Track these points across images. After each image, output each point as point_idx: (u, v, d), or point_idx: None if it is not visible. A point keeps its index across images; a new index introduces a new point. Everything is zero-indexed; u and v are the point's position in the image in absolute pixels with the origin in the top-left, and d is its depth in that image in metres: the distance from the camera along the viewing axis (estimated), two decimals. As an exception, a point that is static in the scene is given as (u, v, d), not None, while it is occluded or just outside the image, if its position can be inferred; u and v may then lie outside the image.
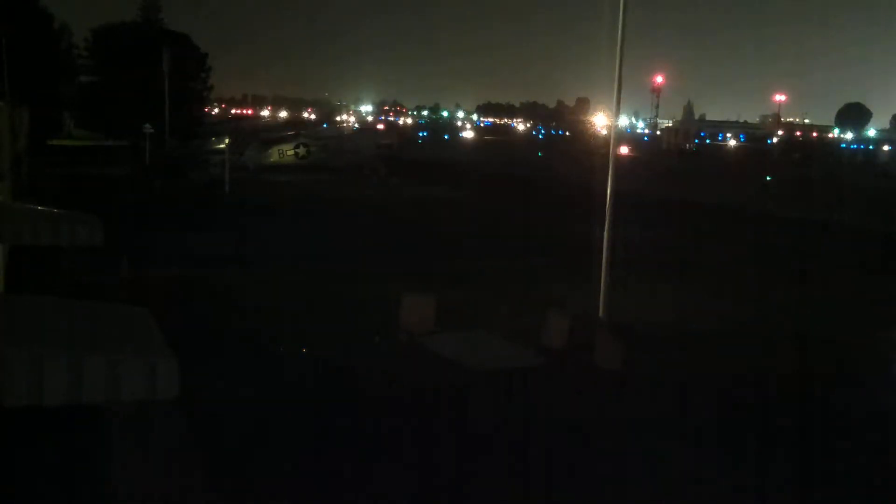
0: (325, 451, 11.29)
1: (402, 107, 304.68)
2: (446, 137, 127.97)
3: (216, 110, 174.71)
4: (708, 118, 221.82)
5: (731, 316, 19.99)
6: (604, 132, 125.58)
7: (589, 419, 12.83)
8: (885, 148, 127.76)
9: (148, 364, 6.79)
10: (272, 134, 67.09)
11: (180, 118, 61.59)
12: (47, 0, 60.59)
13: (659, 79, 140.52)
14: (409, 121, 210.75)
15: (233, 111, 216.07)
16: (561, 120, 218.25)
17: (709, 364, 16.05)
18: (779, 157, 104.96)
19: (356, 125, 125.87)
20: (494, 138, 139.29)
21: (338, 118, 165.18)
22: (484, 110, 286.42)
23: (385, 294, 18.63)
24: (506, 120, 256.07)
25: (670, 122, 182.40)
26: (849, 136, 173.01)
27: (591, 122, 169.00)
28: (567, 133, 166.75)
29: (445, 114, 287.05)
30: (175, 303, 17.88)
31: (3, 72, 32.46)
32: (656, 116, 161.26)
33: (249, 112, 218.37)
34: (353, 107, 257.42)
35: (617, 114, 18.90)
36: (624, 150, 73.44)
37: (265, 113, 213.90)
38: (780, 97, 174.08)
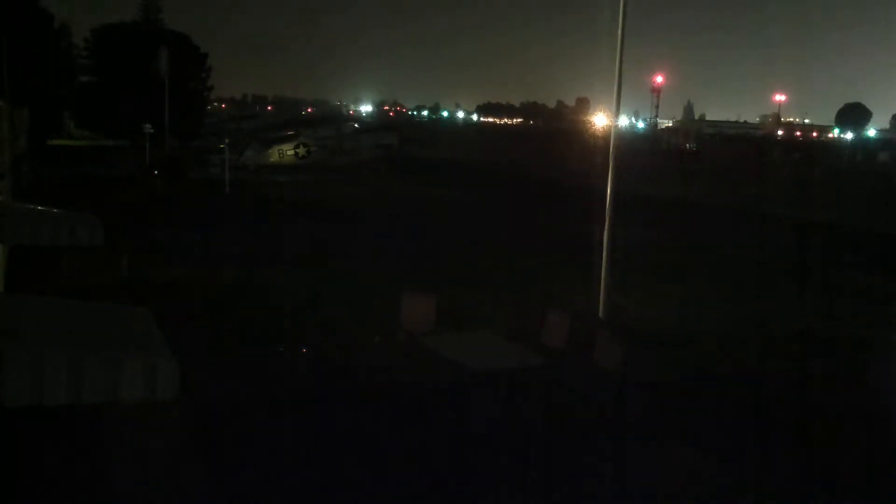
0: (325, 451, 11.30)
1: (402, 107, 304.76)
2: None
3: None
4: (708, 118, 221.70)
5: (731, 316, 20.00)
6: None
7: (589, 419, 12.84)
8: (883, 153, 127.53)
9: (148, 364, 6.78)
10: (272, 134, 67.01)
11: (180, 118, 61.53)
12: (47, 0, 60.47)
13: (659, 79, 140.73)
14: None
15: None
16: (561, 120, 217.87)
17: (709, 364, 16.07)
18: (779, 156, 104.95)
19: (356, 125, 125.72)
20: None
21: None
22: (484, 110, 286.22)
23: (385, 293, 18.64)
24: (506, 120, 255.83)
25: (670, 122, 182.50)
26: (849, 136, 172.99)
27: (591, 122, 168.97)
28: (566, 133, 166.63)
29: (445, 114, 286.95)
30: (175, 302, 17.89)
31: (3, 72, 32.44)
32: (656, 116, 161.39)
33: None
34: (353, 107, 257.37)
35: (617, 114, 18.90)
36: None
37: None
38: (780, 97, 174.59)
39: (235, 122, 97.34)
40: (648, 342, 16.85)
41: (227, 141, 50.23)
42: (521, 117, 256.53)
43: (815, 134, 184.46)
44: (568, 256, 25.13)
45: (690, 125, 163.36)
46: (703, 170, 73.74)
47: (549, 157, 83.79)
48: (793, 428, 13.10)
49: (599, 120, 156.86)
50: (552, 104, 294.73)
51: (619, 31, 17.06)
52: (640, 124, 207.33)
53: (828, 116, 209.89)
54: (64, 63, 67.59)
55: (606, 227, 17.41)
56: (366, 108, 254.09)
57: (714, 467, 11.43)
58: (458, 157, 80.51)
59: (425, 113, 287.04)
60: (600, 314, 17.34)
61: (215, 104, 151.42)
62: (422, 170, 59.33)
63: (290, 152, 59.14)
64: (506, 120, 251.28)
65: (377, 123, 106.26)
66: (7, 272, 17.40)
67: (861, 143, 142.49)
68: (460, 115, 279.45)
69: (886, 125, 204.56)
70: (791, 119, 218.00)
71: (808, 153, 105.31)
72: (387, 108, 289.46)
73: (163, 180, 43.12)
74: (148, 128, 50.93)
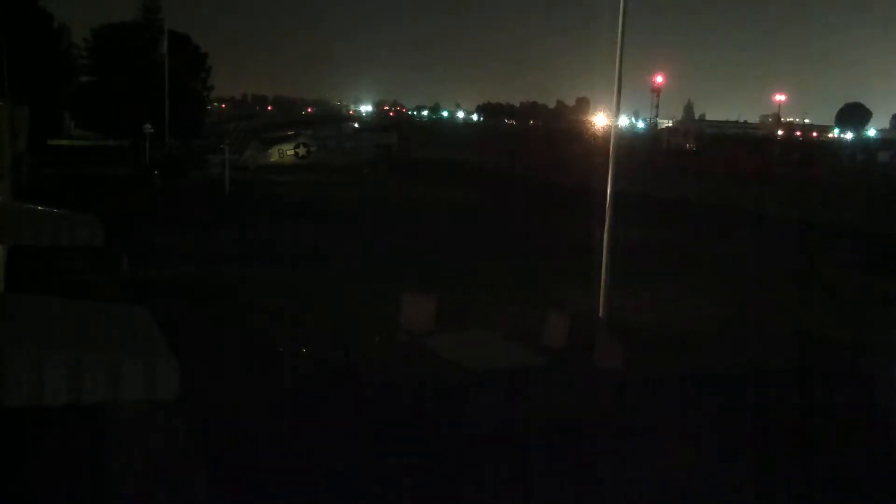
0: (325, 451, 11.29)
1: (401, 107, 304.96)
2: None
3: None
4: (708, 118, 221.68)
5: (731, 315, 20.00)
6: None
7: (589, 419, 12.83)
8: (883, 153, 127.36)
9: (148, 364, 6.79)
10: (272, 134, 67.07)
11: (180, 118, 61.58)
12: (47, 0, 60.54)
13: (659, 79, 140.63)
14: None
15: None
16: (561, 120, 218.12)
17: (709, 364, 16.07)
18: (778, 157, 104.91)
19: (356, 125, 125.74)
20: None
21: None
22: (484, 110, 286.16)
23: (385, 293, 18.65)
24: (506, 120, 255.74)
25: (670, 122, 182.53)
26: (849, 136, 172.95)
27: (591, 122, 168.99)
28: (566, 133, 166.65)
29: (445, 114, 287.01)
30: (175, 302, 17.89)
31: (3, 72, 32.42)
32: (656, 116, 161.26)
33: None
34: (352, 107, 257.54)
35: (617, 114, 18.89)
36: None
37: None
38: (780, 97, 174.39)
39: (235, 122, 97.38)
40: (648, 342, 16.85)
41: (227, 141, 50.23)
42: (520, 117, 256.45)
43: (815, 134, 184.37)
44: (568, 256, 25.12)
45: (690, 125, 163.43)
46: (703, 170, 73.70)
47: (549, 157, 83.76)
48: (791, 427, 13.10)
49: (599, 120, 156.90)
50: (552, 104, 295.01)
51: (619, 31, 17.04)
52: (640, 124, 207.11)
53: (828, 116, 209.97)
54: (64, 63, 67.61)
55: (606, 227, 17.40)
56: (366, 108, 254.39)
57: (713, 467, 11.43)
58: (458, 157, 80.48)
59: (425, 113, 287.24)
60: (600, 314, 17.33)
61: (215, 104, 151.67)
62: (422, 170, 59.32)
63: (290, 152, 59.16)
64: (512, 122, 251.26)
65: (377, 123, 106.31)
66: (7, 272, 17.39)
67: (861, 143, 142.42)
68: (460, 115, 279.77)
69: (886, 125, 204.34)
70: (791, 119, 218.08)
71: (807, 153, 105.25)
72: (387, 108, 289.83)
73: (163, 180, 43.12)
74: (148, 128, 50.94)
